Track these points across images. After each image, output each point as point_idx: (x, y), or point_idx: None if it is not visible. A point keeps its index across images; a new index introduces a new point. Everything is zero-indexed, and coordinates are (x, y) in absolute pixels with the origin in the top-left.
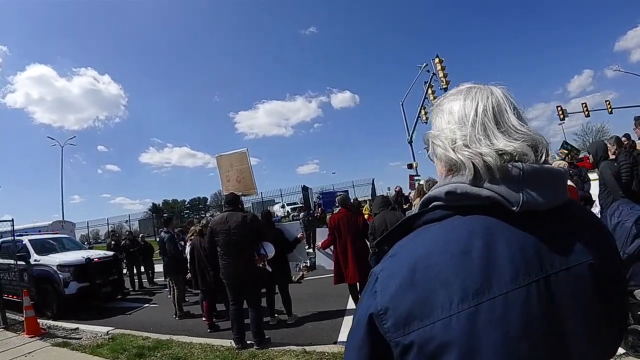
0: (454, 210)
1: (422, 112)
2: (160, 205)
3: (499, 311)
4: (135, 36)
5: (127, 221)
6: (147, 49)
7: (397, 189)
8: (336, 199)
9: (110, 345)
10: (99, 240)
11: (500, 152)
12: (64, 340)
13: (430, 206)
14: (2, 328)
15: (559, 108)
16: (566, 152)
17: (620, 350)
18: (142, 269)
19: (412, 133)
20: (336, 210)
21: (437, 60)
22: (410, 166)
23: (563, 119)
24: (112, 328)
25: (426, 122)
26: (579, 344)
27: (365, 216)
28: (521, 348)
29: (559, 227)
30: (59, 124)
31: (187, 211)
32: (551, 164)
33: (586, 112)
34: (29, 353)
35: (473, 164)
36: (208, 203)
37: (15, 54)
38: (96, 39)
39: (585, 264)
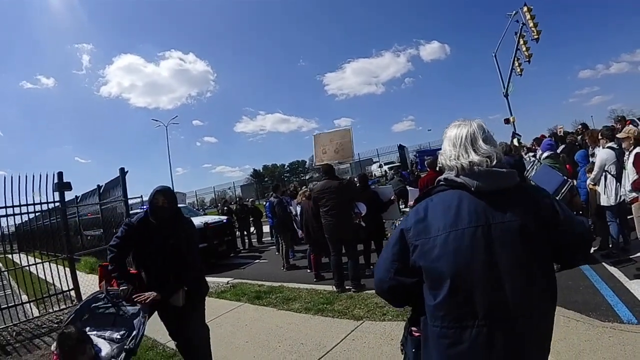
0: (448, 186)
1: (516, 63)
2: (261, 171)
3: (459, 236)
4: (211, 10)
5: (230, 188)
6: (225, 22)
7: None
8: (425, 162)
9: (232, 291)
10: (205, 207)
11: (470, 161)
12: None
13: (440, 184)
14: None
15: None
16: None
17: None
18: (252, 230)
19: (508, 86)
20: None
21: (525, 9)
22: (507, 121)
23: None
24: (231, 279)
25: (521, 74)
26: (505, 266)
27: None
28: (467, 255)
29: (500, 200)
30: (154, 105)
31: (287, 174)
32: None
33: None
34: None
35: (456, 167)
36: (307, 166)
37: (101, 49)
38: (173, 21)
39: (514, 222)
